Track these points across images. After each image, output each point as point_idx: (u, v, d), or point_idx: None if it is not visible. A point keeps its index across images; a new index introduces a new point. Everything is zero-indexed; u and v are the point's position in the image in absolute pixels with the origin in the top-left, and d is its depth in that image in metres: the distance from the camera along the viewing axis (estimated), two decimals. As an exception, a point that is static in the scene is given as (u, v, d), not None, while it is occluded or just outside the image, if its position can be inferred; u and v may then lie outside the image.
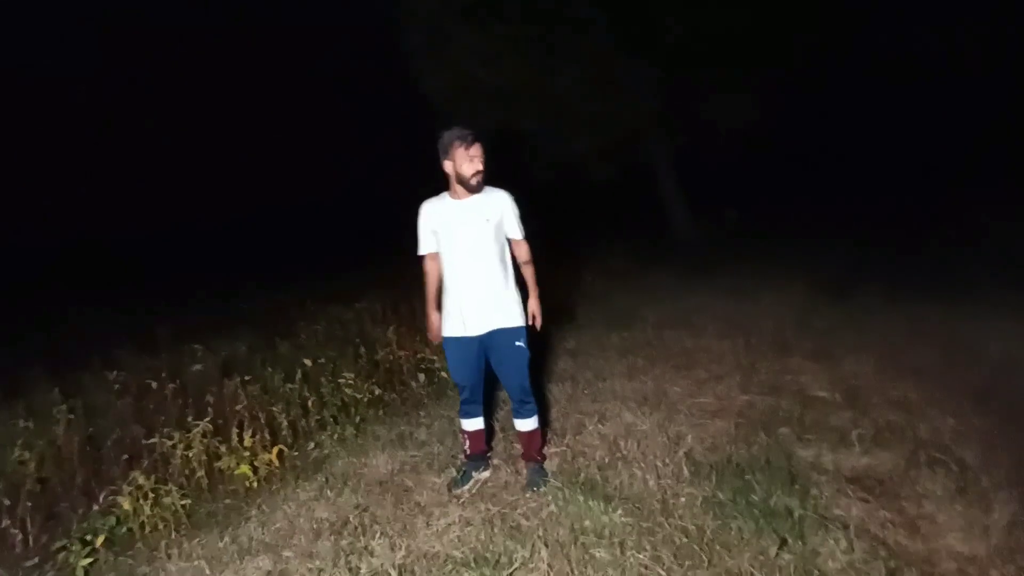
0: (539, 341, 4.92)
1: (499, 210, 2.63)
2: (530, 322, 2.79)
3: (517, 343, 2.70)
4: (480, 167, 2.53)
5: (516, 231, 2.70)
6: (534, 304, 2.80)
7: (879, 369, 3.90)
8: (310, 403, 3.83)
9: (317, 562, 2.38)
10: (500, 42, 7.34)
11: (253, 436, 3.36)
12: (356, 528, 2.60)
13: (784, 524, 2.32)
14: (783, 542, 2.22)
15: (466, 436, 2.94)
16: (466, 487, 2.84)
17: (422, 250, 2.75)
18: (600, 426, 3.31)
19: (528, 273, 2.79)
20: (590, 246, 9.02)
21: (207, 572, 2.41)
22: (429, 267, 2.77)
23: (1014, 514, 2.34)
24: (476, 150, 2.52)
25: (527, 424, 2.85)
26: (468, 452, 2.95)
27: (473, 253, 2.61)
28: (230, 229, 14.73)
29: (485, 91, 7.73)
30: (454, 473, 2.96)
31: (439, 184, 2.70)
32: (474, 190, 2.57)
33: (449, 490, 2.84)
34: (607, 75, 7.64)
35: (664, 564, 2.19)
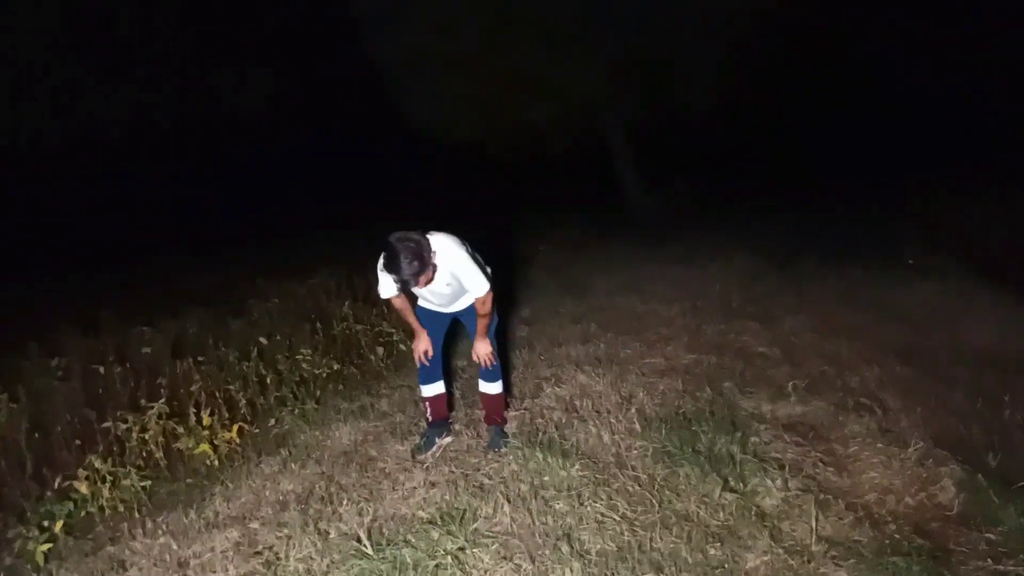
0: (498, 312, 5.03)
1: (453, 277, 2.57)
2: (475, 358, 2.83)
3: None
4: (422, 286, 2.46)
5: (475, 288, 2.60)
6: (479, 346, 2.79)
7: (815, 328, 4.19)
8: (268, 380, 3.81)
9: (286, 530, 2.43)
10: (454, 9, 7.19)
11: (211, 415, 3.33)
12: (323, 497, 2.65)
13: (727, 468, 2.52)
14: (725, 483, 2.42)
15: (427, 403, 3.01)
16: (429, 452, 2.93)
17: (386, 295, 2.68)
18: (556, 388, 3.45)
19: (481, 324, 2.73)
20: (546, 218, 9.12)
21: (174, 547, 2.43)
22: (397, 304, 2.77)
23: (925, 449, 2.61)
24: (414, 288, 2.45)
25: (492, 387, 2.95)
26: (430, 419, 3.04)
27: (439, 299, 2.74)
28: (165, 201, 13.83)
29: (438, 60, 7.59)
30: (417, 440, 3.04)
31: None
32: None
33: (413, 456, 2.92)
34: (563, 45, 7.62)
35: (619, 511, 2.35)
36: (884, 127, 12.13)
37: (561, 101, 8.19)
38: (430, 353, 2.87)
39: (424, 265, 2.36)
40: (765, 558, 2.07)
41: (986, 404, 2.99)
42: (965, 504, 2.30)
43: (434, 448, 2.95)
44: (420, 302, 2.87)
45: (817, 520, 2.21)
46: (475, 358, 2.84)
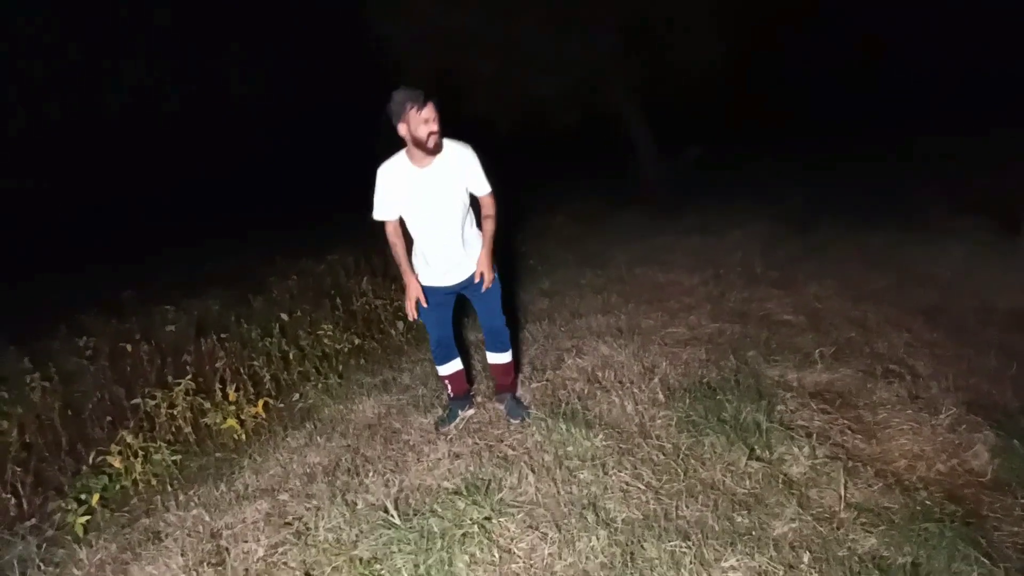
0: (516, 284, 5.00)
1: (462, 170, 2.49)
2: (475, 279, 2.66)
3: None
4: (435, 128, 2.34)
5: (481, 187, 2.54)
6: (484, 258, 2.63)
7: (839, 293, 4.10)
8: (291, 356, 3.86)
9: (314, 501, 2.47)
10: None
11: (237, 391, 3.39)
12: (349, 469, 2.69)
13: (752, 437, 2.49)
14: (751, 452, 2.40)
15: (446, 380, 3.00)
16: (452, 424, 2.94)
17: (381, 216, 2.58)
18: (578, 359, 3.43)
19: (488, 227, 2.61)
20: (560, 191, 9.02)
21: (206, 518, 2.49)
22: (392, 232, 2.63)
23: (957, 415, 2.55)
24: (429, 111, 2.32)
25: (501, 357, 2.94)
26: (451, 394, 3.04)
27: (441, 219, 2.54)
28: (183, 189, 14.00)
29: (442, 35, 7.44)
30: (440, 412, 3.06)
31: (393, 139, 2.49)
32: (432, 152, 2.40)
33: (436, 428, 2.94)
34: (568, 15, 7.41)
35: (644, 480, 2.35)
36: (902, 85, 11.74)
37: (569, 71, 8.00)
38: (423, 301, 2.68)
39: (415, 92, 2.31)
40: (793, 525, 2.05)
41: (1020, 367, 2.91)
42: (999, 470, 2.25)
43: (457, 420, 2.97)
44: (422, 279, 2.69)
45: (846, 487, 2.18)
46: (476, 278, 2.66)
